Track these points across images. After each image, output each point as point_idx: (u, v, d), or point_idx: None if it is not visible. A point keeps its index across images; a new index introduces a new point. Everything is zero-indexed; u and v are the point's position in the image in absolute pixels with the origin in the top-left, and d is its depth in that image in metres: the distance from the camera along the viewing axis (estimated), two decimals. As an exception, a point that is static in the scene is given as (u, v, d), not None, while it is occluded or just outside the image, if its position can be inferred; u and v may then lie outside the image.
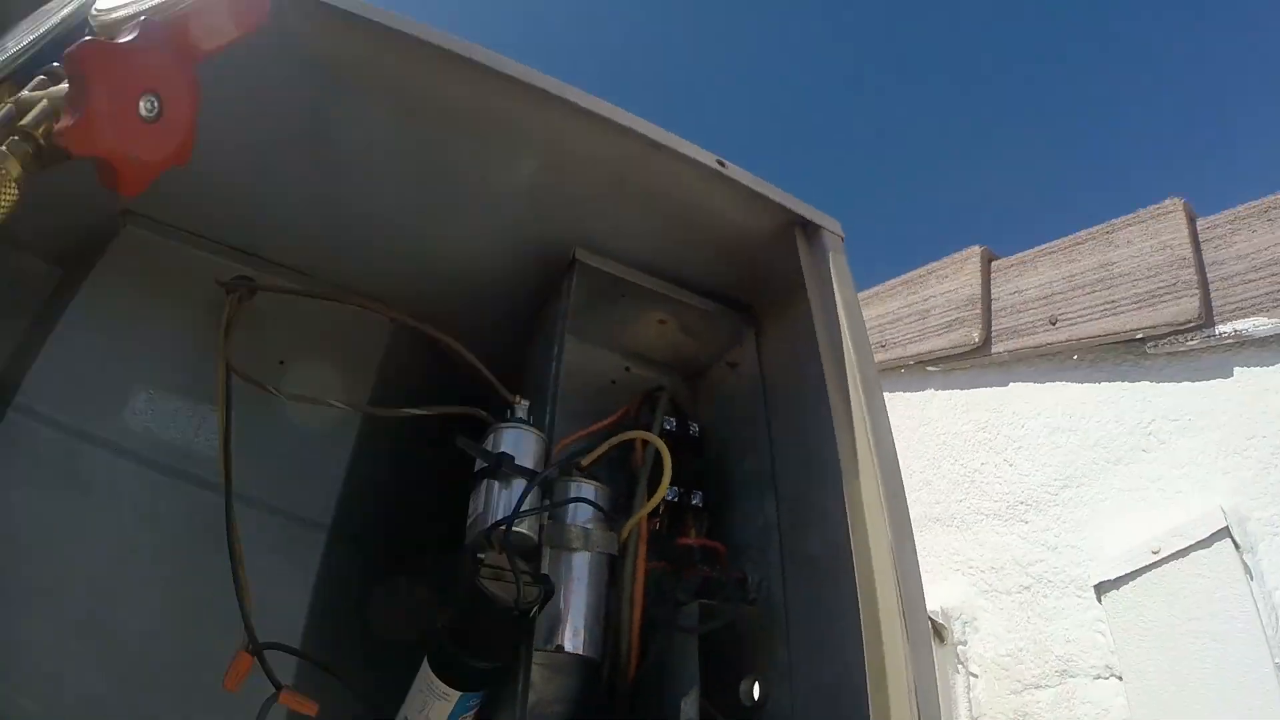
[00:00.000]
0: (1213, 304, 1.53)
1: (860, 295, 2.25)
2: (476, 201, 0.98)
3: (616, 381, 1.14)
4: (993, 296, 1.94)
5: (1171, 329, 1.55)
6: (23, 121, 0.56)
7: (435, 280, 1.11)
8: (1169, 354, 1.57)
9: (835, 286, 0.96)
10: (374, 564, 1.09)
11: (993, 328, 1.89)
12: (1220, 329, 1.50)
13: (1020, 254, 1.96)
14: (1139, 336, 1.59)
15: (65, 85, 0.55)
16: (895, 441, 2.02)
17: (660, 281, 1.07)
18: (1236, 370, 1.49)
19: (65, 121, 0.51)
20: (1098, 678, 1.47)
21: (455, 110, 0.87)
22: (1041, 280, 1.84)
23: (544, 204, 0.99)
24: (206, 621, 0.91)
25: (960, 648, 1.66)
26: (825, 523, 0.84)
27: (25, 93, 0.60)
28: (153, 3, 0.57)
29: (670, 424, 1.04)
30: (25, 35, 0.73)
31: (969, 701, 1.60)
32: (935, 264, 2.13)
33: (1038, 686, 1.54)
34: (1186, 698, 1.31)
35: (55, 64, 0.64)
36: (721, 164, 0.97)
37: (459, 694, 0.76)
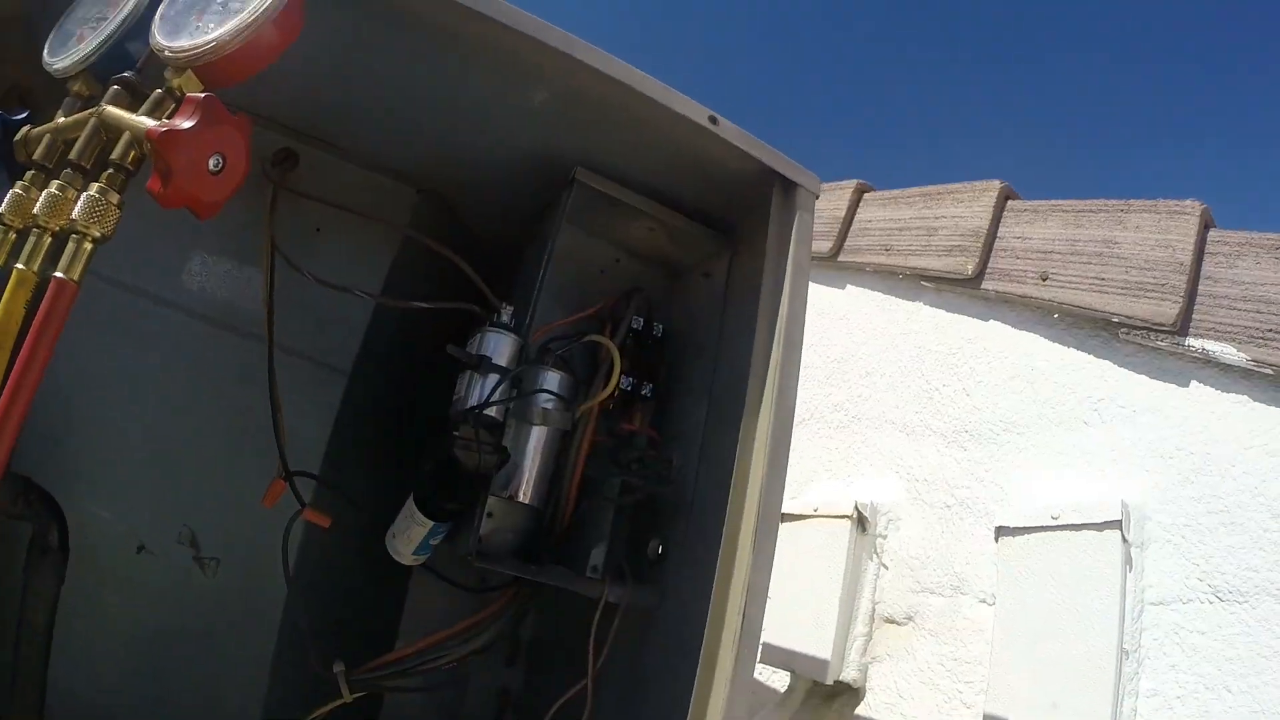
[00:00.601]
0: (1193, 316, 1.58)
1: (878, 194, 2.36)
2: (493, 113, 1.12)
3: (606, 271, 1.31)
4: (998, 235, 2.00)
5: (1146, 325, 1.62)
6: (114, 155, 0.72)
7: (455, 169, 1.26)
8: (1138, 345, 1.65)
9: (791, 246, 1.11)
10: (383, 408, 1.34)
11: (989, 265, 1.97)
12: (1191, 342, 1.56)
13: (1035, 202, 2.00)
14: (1115, 320, 1.68)
15: (141, 127, 0.69)
16: (876, 341, 2.15)
17: (650, 202, 1.21)
18: (1193, 384, 1.56)
19: (155, 185, 0.68)
20: (981, 601, 1.70)
21: (478, 47, 0.99)
22: (1047, 235, 1.90)
23: (551, 126, 1.12)
24: (248, 449, 1.16)
25: (879, 540, 1.90)
26: (735, 432, 1.04)
27: (108, 107, 0.74)
28: (207, 46, 0.70)
29: (638, 323, 1.22)
30: (90, 23, 0.84)
31: (875, 587, 1.87)
32: (955, 185, 2.16)
33: (932, 592, 1.78)
34: (1038, 646, 1.52)
35: (127, 74, 0.78)
36: (714, 120, 1.09)
37: (432, 523, 1.03)
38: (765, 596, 0.94)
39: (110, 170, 0.72)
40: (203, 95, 0.70)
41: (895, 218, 2.25)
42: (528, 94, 1.08)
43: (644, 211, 1.20)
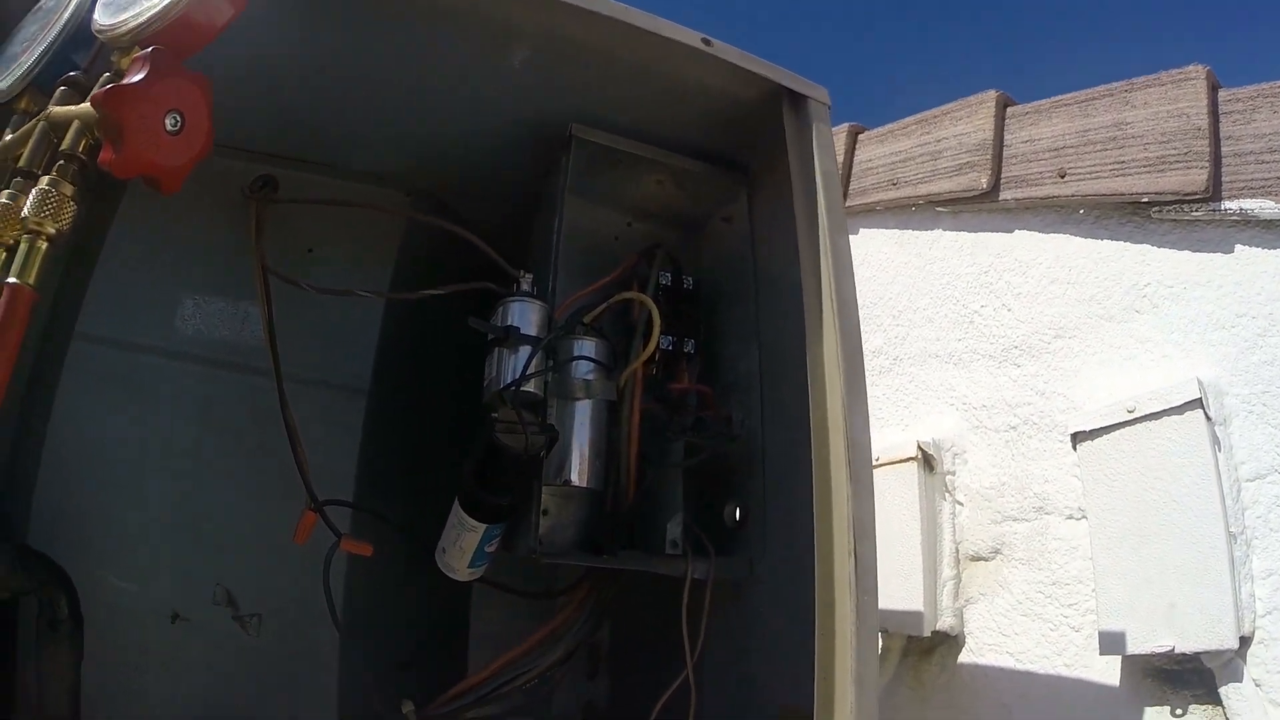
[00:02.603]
0: (1222, 179, 1.51)
1: (875, 132, 2.27)
2: (473, 88, 1.04)
3: (619, 238, 1.22)
4: (1005, 143, 1.92)
5: (1177, 198, 1.54)
6: (64, 145, 0.65)
7: (443, 161, 1.18)
8: (1173, 221, 1.58)
9: (815, 156, 1.02)
10: (413, 420, 1.25)
11: (1002, 175, 1.89)
12: (1226, 205, 1.49)
13: (1036, 103, 1.92)
14: (1144, 200, 1.59)
15: (90, 106, 0.62)
16: (902, 278, 2.08)
17: (655, 149, 1.12)
18: (1237, 248, 1.49)
19: (108, 155, 0.60)
20: (1069, 517, 1.60)
21: (446, 10, 0.92)
22: (1055, 132, 1.82)
23: (538, 87, 1.04)
24: (272, 490, 1.07)
25: (949, 477, 1.80)
26: (796, 371, 0.95)
27: (54, 108, 0.68)
28: (150, 12, 0.63)
29: (666, 278, 1.13)
30: (32, 42, 0.78)
31: (954, 527, 1.77)
32: (950, 105, 2.09)
33: (1015, 519, 1.69)
34: (1142, 550, 1.43)
35: (73, 73, 0.71)
36: (707, 42, 1.01)
37: (484, 525, 0.93)
38: (874, 533, 0.84)
39: (61, 161, 0.64)
40: (150, 49, 0.61)
41: (895, 150, 2.17)
42: (506, 56, 0.99)
43: (649, 159, 1.12)
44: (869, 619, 0.85)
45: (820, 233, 0.96)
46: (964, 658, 1.73)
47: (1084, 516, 1.57)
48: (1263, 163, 1.49)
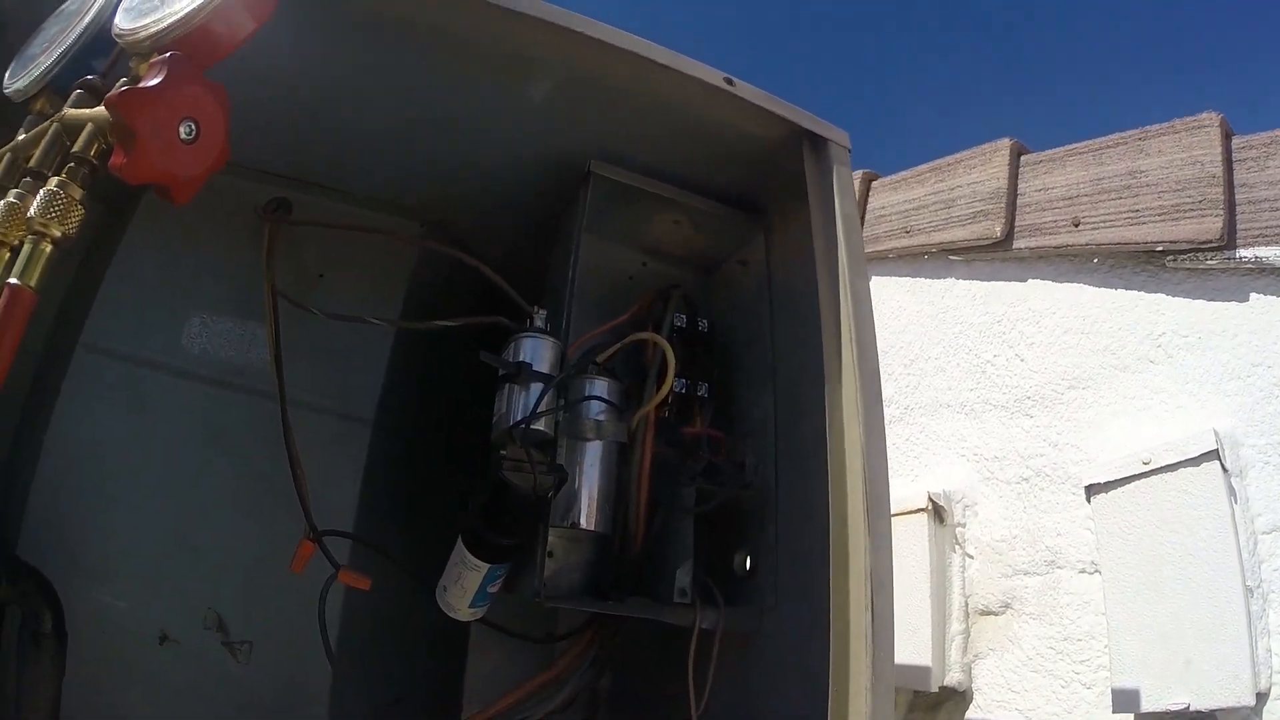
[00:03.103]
0: (1237, 226, 1.51)
1: (889, 179, 2.27)
2: (496, 121, 1.03)
3: (634, 277, 1.21)
4: (1019, 192, 1.92)
5: (1192, 246, 1.53)
6: (75, 148, 0.63)
7: (460, 193, 1.18)
8: (1187, 270, 1.57)
9: (836, 200, 1.01)
10: (416, 453, 1.22)
11: (1016, 223, 1.89)
12: (1241, 253, 1.48)
13: (1050, 151, 1.92)
14: (1159, 249, 1.58)
15: (104, 110, 0.61)
16: (914, 327, 2.06)
17: (673, 188, 1.11)
18: (1252, 296, 1.48)
19: (119, 159, 0.59)
20: (1082, 571, 1.57)
21: (470, 44, 0.91)
22: (1069, 180, 1.82)
23: (559, 122, 1.03)
24: (270, 516, 1.05)
25: (959, 529, 1.77)
26: (813, 416, 0.93)
27: (69, 110, 0.67)
28: (172, 19, 0.62)
29: (680, 320, 1.11)
30: (52, 44, 0.77)
31: (963, 580, 1.73)
32: (964, 153, 2.10)
33: (1027, 573, 1.65)
34: (1158, 605, 1.39)
35: (90, 77, 0.70)
36: (729, 81, 1.00)
37: (487, 565, 0.90)
38: (892, 586, 0.81)
39: (71, 164, 0.63)
40: (168, 54, 0.59)
41: (909, 198, 2.17)
42: (527, 90, 0.99)
43: (667, 199, 1.11)
44: (885, 675, 0.82)
45: (840, 276, 0.95)
46: (971, 714, 1.68)
47: (1097, 570, 1.54)
48: (1277, 210, 1.48)
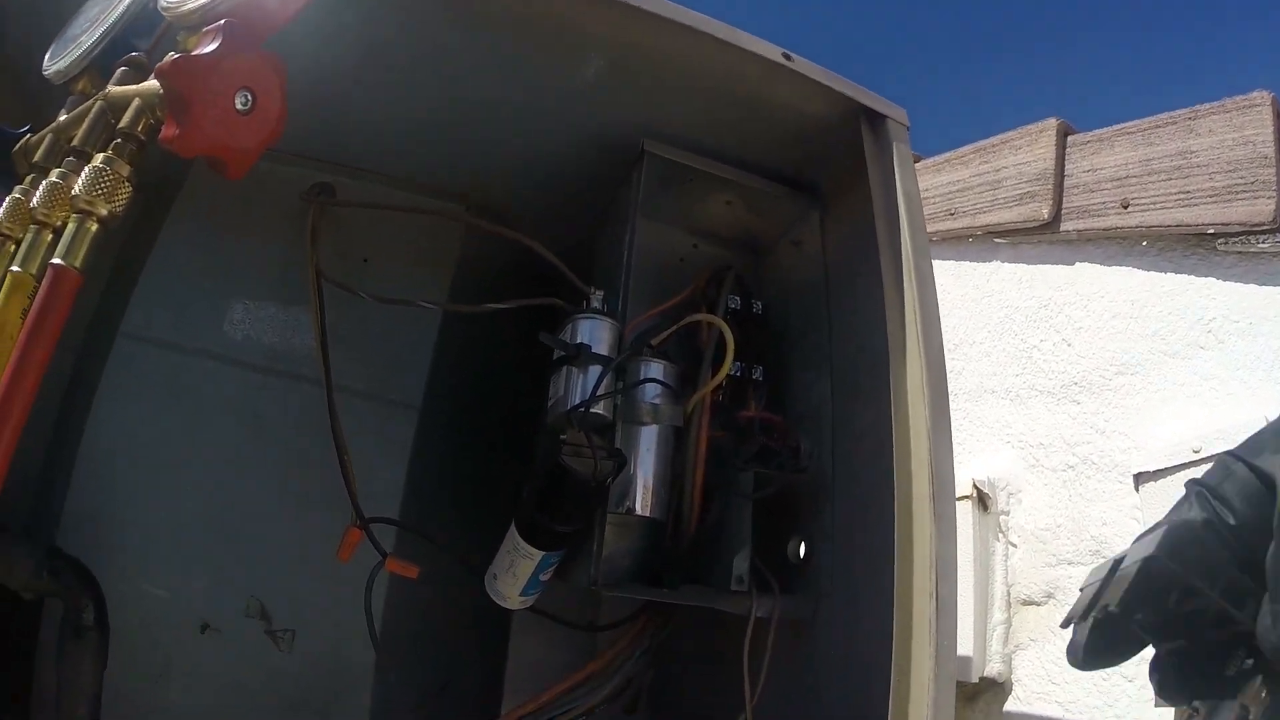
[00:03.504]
0: None
1: (932, 161, 2.22)
2: (545, 100, 1.01)
3: (685, 259, 1.19)
4: (1066, 173, 1.87)
5: (1244, 229, 1.48)
6: (122, 124, 0.61)
7: (508, 175, 1.15)
8: (1239, 253, 1.52)
9: (897, 177, 0.98)
10: (464, 440, 1.21)
11: (1063, 205, 1.84)
12: None
13: (1098, 131, 1.87)
14: (1210, 232, 1.54)
15: (154, 82, 0.59)
16: (958, 311, 2.02)
17: (727, 168, 1.09)
18: None
19: (171, 131, 0.56)
20: (1127, 562, 1.54)
21: (521, 17, 0.89)
22: (1117, 161, 1.77)
23: (611, 100, 1.01)
24: (314, 503, 1.04)
25: (1002, 517, 1.73)
26: (873, 401, 0.91)
27: (113, 88, 0.65)
28: None
29: (735, 302, 1.09)
30: (94, 23, 0.76)
31: (1006, 569, 1.70)
32: (1010, 133, 2.04)
33: (1071, 563, 1.62)
34: None
35: (135, 53, 0.68)
36: (788, 57, 0.97)
37: (541, 553, 0.88)
38: (955, 574, 0.79)
39: (119, 140, 0.61)
40: (223, 20, 0.57)
41: (953, 180, 2.11)
42: (579, 67, 0.96)
43: (721, 178, 1.08)
44: (947, 665, 0.79)
45: (904, 256, 0.92)
46: (1010, 705, 1.65)
47: (1144, 562, 1.50)
48: (1331, 192, 1.43)
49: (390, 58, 0.95)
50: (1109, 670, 1.53)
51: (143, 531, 1.05)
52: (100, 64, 0.74)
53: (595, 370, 0.87)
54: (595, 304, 0.93)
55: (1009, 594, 1.69)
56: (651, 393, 0.92)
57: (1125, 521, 1.55)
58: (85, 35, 0.76)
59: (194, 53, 0.59)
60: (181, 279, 1.11)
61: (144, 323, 1.08)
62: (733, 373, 1.00)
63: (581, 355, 0.86)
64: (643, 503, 0.91)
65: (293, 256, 1.07)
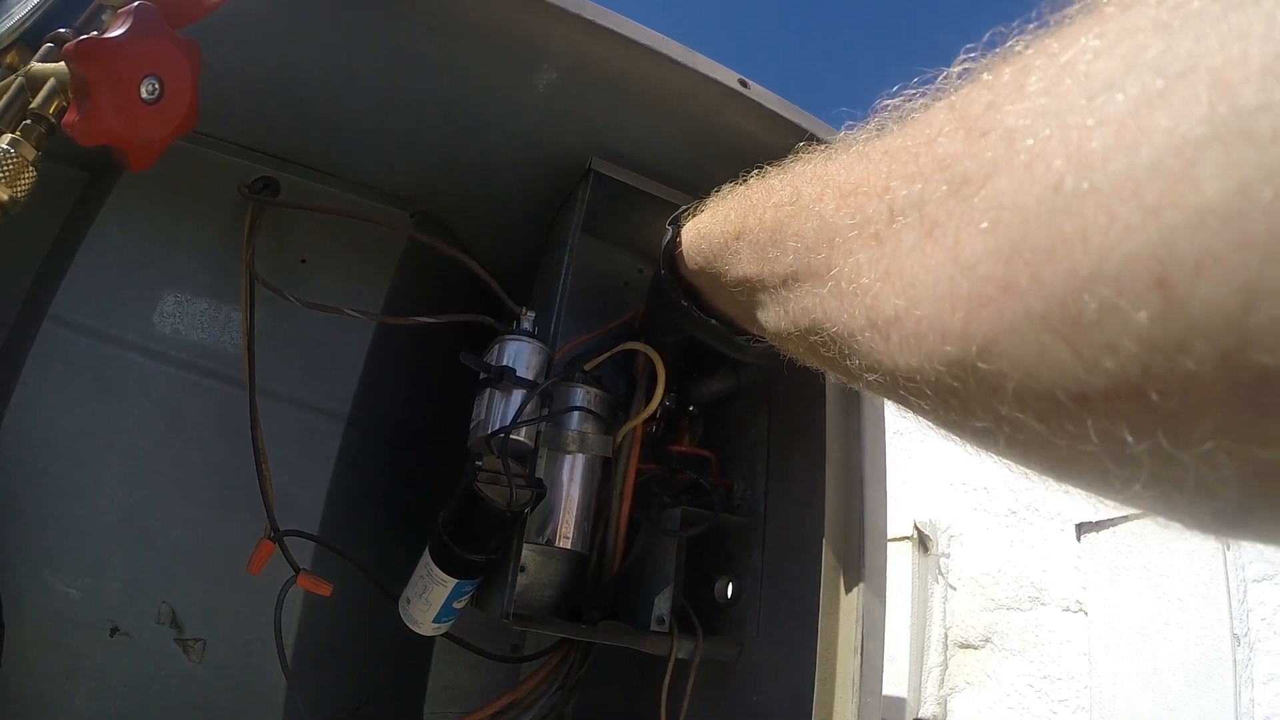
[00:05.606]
0: None
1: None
2: (494, 111, 0.98)
3: (629, 283, 1.16)
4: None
5: None
6: (34, 104, 0.58)
7: (458, 184, 1.12)
8: None
9: (848, 214, 0.96)
10: (390, 454, 1.17)
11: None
12: None
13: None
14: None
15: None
16: None
17: (676, 192, 1.06)
18: None
19: (71, 117, 0.53)
20: (1066, 610, 1.53)
21: (476, 26, 0.86)
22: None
23: (562, 115, 0.98)
24: (233, 510, 0.99)
25: (943, 560, 1.72)
26: (808, 440, 0.88)
27: (35, 64, 0.61)
28: None
29: (674, 331, 1.06)
30: None
31: (944, 611, 1.69)
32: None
33: (1010, 608, 1.61)
34: (1142, 649, 1.36)
35: (63, 29, 0.65)
36: (744, 83, 0.95)
37: (455, 580, 0.84)
38: (883, 629, 0.77)
39: (28, 121, 0.57)
40: (136, 4, 0.54)
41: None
42: (533, 77, 0.93)
43: (669, 202, 1.05)
44: (868, 722, 0.77)
45: (847, 297, 0.90)
46: (944, 748, 1.64)
47: (1081, 609, 1.50)
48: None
49: (344, 56, 0.91)
50: (1045, 716, 1.52)
51: (56, 526, 0.99)
52: (29, 38, 0.69)
53: (519, 395, 0.83)
54: (525, 325, 0.90)
55: (946, 636, 1.68)
56: (579, 421, 0.89)
57: (1065, 570, 1.55)
58: (19, 5, 0.73)
59: (103, 35, 0.55)
60: (115, 265, 1.05)
61: (72, 306, 1.03)
62: (667, 404, 0.97)
63: (505, 378, 0.82)
64: (564, 534, 0.88)
65: (232, 251, 1.03)
